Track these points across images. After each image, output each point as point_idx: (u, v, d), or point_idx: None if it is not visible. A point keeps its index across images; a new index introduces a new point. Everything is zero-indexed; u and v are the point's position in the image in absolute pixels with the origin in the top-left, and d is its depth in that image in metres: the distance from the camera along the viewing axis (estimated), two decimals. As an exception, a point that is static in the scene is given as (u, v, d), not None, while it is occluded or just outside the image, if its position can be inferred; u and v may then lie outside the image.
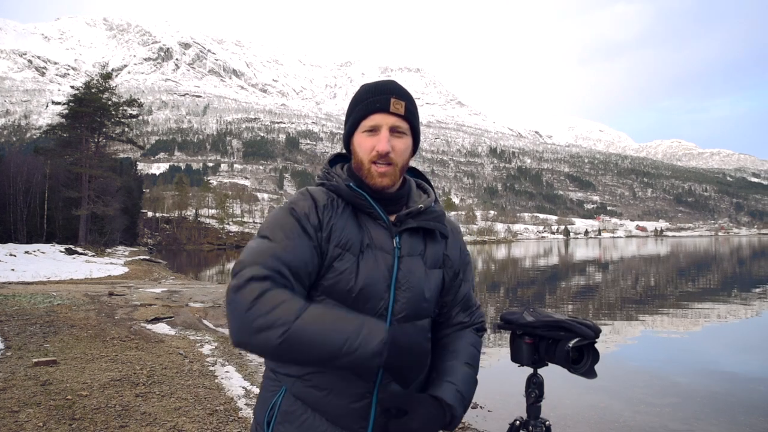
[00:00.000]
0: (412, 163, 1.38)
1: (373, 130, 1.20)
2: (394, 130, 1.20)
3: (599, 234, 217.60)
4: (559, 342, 1.32)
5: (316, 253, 1.14)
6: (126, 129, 47.49)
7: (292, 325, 0.99)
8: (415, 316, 1.22)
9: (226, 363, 5.91)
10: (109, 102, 40.83)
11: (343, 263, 1.16)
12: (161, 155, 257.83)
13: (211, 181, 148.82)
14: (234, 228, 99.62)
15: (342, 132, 1.32)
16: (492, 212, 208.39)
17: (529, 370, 1.44)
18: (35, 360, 5.46)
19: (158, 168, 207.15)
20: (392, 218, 1.24)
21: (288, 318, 0.99)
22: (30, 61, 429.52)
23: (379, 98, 1.20)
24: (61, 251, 31.10)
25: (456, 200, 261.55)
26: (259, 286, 1.02)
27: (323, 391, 1.15)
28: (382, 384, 1.16)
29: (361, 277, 1.16)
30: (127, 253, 39.60)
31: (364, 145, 1.21)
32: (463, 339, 1.35)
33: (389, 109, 1.19)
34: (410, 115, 1.23)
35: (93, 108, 39.27)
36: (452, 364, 1.27)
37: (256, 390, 4.85)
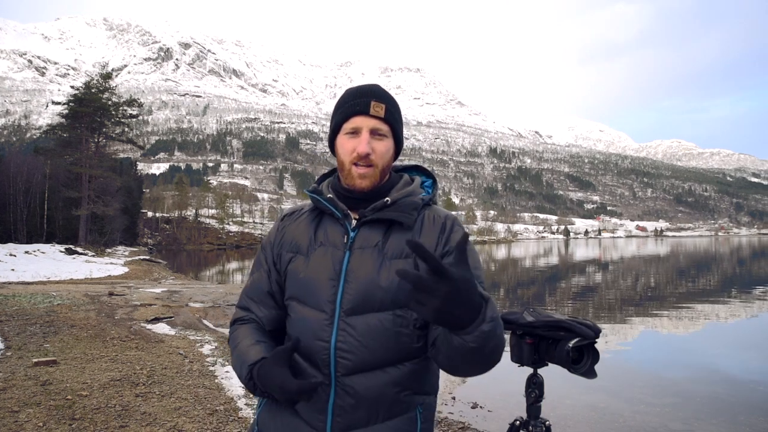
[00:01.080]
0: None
1: (354, 133, 1.24)
2: (374, 133, 1.23)
3: (599, 234, 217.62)
4: (559, 342, 1.33)
5: (274, 271, 1.32)
6: (126, 129, 47.48)
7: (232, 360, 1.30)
8: (365, 308, 1.17)
9: (226, 363, 5.90)
10: (109, 102, 40.81)
11: (294, 264, 1.27)
12: (161, 155, 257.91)
13: (211, 181, 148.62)
14: (234, 228, 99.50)
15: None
16: (492, 212, 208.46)
17: (529, 370, 1.44)
18: (35, 360, 5.46)
19: (158, 168, 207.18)
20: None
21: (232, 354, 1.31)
22: (30, 61, 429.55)
23: (359, 101, 1.24)
24: (61, 251, 31.10)
25: (456, 200, 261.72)
26: (232, 328, 1.35)
27: None
28: (338, 377, 1.16)
29: (305, 274, 1.24)
30: (127, 253, 39.59)
31: (346, 146, 1.24)
32: None
33: (369, 111, 1.22)
34: (390, 118, 1.25)
35: (93, 108, 39.27)
36: None
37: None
